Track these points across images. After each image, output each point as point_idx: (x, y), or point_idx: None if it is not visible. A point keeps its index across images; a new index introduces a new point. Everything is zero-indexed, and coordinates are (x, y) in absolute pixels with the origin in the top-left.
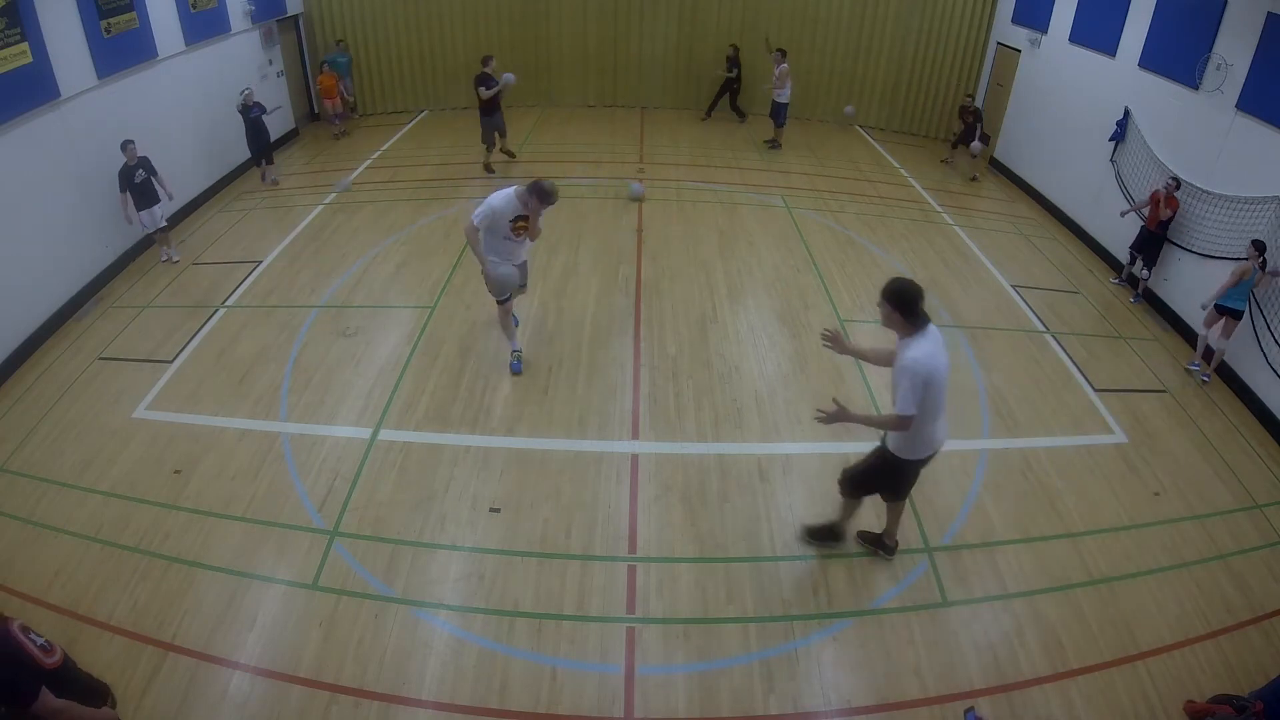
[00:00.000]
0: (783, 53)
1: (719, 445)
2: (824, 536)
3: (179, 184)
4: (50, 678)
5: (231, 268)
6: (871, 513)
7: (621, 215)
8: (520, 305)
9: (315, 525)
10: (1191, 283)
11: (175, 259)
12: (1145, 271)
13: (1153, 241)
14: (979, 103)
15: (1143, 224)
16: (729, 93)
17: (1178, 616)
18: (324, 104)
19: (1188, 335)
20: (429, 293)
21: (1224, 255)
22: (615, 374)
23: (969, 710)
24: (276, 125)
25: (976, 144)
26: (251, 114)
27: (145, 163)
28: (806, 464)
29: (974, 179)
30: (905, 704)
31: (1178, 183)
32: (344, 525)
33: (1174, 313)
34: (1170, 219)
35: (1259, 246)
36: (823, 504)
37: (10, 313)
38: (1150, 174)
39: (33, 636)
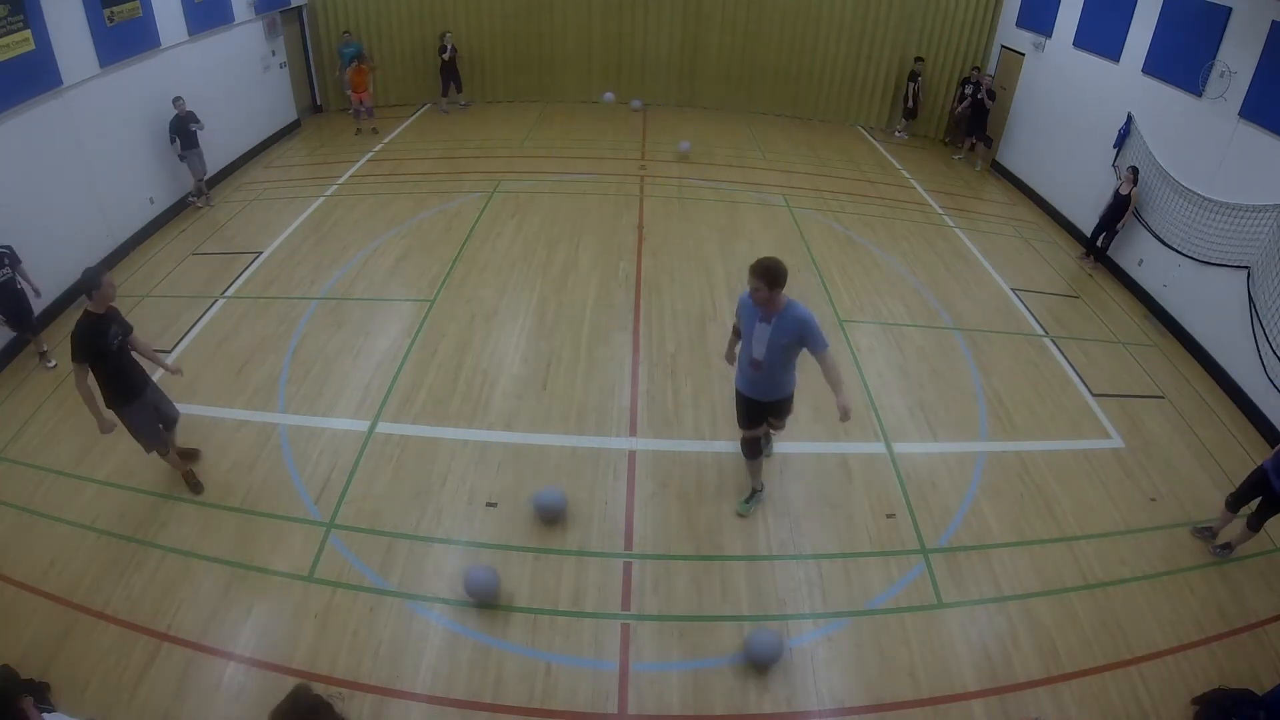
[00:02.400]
0: None
1: (716, 443)
2: None
3: (180, 175)
4: None
5: (231, 258)
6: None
7: (622, 212)
8: (520, 300)
9: (312, 517)
10: (1191, 289)
11: (51, 365)
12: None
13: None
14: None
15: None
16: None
17: (1171, 622)
18: (353, 99)
19: (1187, 342)
20: (429, 286)
21: (1224, 263)
22: (614, 370)
23: None
24: (278, 118)
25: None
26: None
27: (9, 253)
28: (803, 463)
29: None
30: (899, 705)
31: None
32: (340, 517)
33: (1173, 319)
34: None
35: None
36: (820, 503)
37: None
38: (1152, 179)
39: None
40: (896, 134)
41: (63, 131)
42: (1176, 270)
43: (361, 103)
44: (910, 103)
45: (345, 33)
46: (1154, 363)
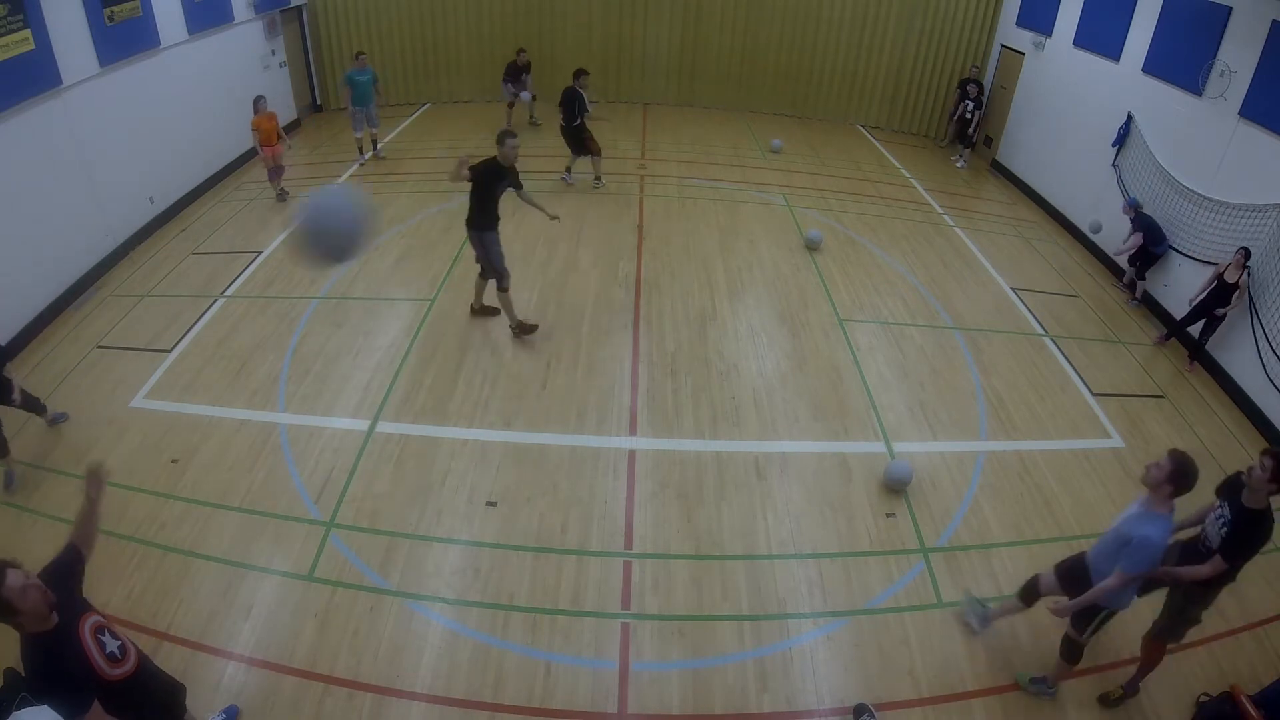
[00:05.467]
0: None
1: (716, 443)
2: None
3: (180, 175)
4: (111, 690)
5: (231, 257)
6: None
7: (623, 211)
8: (520, 299)
9: (312, 516)
10: (1191, 288)
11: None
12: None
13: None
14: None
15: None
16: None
17: None
18: (262, 153)
19: (1187, 341)
20: (429, 286)
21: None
22: (614, 370)
23: None
24: (278, 118)
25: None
26: None
27: None
28: (804, 463)
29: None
30: (899, 704)
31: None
32: (340, 517)
33: (1173, 318)
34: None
35: None
36: (820, 502)
37: (9, 300)
38: (1152, 178)
39: (105, 639)
40: (956, 162)
41: (62, 131)
42: (1177, 270)
43: (274, 159)
44: (968, 128)
45: (359, 54)
46: (1153, 362)
